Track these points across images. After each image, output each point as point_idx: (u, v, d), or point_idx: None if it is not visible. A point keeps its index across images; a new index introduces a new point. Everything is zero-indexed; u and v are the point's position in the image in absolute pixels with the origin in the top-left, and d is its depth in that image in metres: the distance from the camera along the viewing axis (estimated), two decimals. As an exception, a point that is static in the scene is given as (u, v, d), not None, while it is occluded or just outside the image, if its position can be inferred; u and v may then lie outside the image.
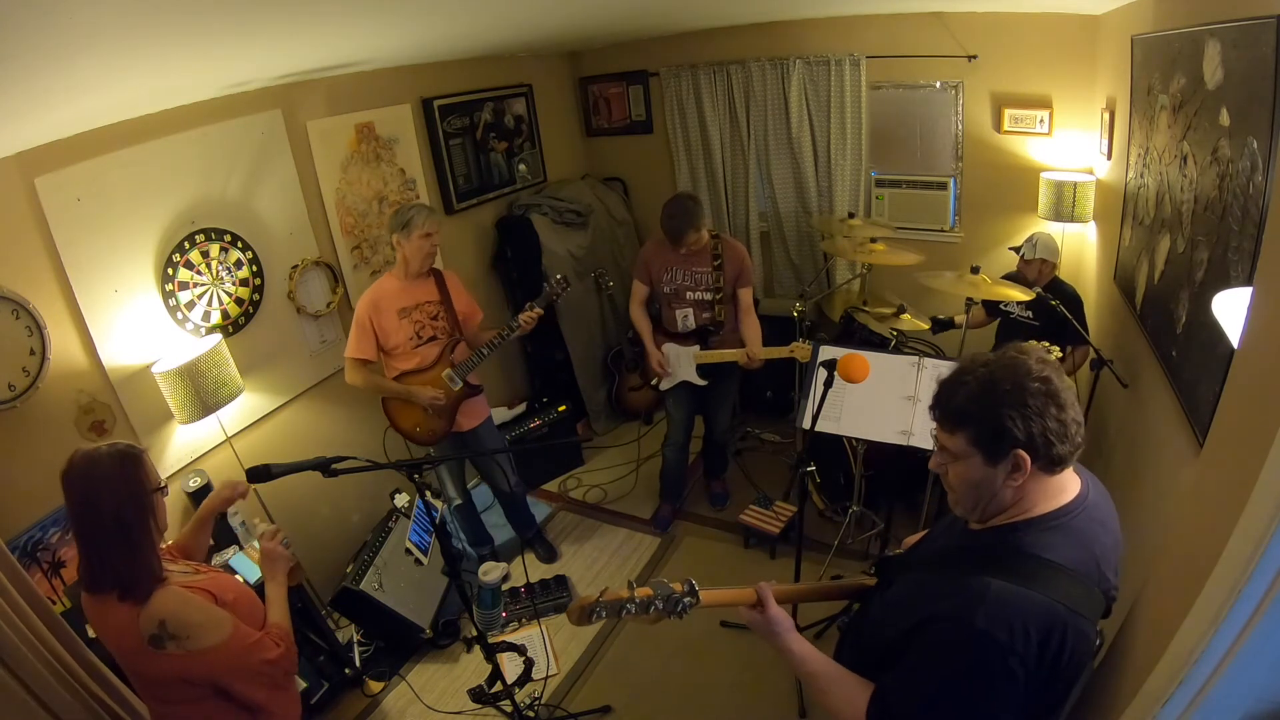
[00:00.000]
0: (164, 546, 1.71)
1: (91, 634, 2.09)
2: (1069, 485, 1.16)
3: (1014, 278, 3.02)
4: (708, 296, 3.17)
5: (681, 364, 3.28)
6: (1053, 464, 1.10)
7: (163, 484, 1.55)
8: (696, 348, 3.24)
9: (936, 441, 1.20)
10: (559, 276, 2.92)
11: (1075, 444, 1.10)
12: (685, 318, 3.23)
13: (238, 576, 2.29)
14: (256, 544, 2.53)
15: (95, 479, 1.42)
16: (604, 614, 1.28)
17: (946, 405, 1.15)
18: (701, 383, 3.28)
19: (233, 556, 2.54)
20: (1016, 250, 3.07)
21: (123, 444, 1.51)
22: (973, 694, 1.06)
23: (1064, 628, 1.05)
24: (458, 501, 3.30)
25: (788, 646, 1.32)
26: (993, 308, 3.21)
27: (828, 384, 2.12)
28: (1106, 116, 3.04)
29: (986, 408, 1.09)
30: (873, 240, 3.33)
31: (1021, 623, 1.04)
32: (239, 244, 2.81)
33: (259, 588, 1.82)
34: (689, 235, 3.00)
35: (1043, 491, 1.13)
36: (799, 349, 3.05)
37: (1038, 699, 1.08)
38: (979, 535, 1.20)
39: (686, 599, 1.31)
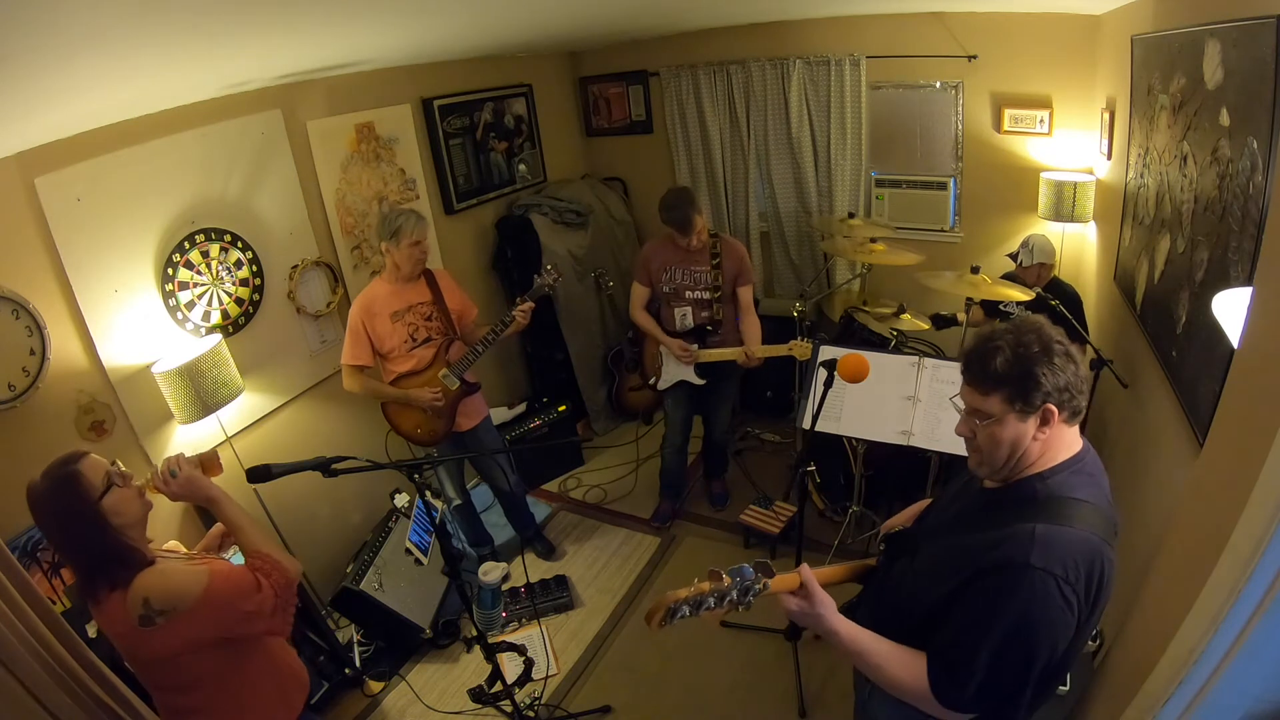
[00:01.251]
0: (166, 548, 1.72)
1: (92, 634, 2.10)
2: (1077, 437, 1.26)
3: (1013, 277, 3.02)
4: (706, 295, 3.17)
5: (680, 363, 3.29)
6: (1074, 414, 1.21)
7: (114, 481, 1.49)
8: (695, 346, 3.24)
9: (965, 406, 1.27)
10: (549, 266, 2.93)
11: (1086, 396, 1.21)
12: (684, 316, 3.23)
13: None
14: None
15: (40, 511, 1.45)
16: (688, 611, 1.24)
17: (982, 370, 1.21)
18: (699, 381, 3.28)
19: (233, 555, 2.53)
20: (1013, 257, 3.06)
21: (57, 462, 1.46)
22: (1038, 630, 1.14)
23: (1101, 556, 1.15)
24: (457, 502, 3.30)
25: (835, 628, 1.32)
26: (992, 308, 3.21)
27: (828, 384, 2.12)
28: (1106, 116, 3.04)
29: (1022, 368, 1.17)
30: (873, 240, 3.33)
31: (1071, 557, 1.13)
32: (239, 244, 2.81)
33: None
34: (696, 220, 3.01)
35: (1061, 442, 1.23)
36: (798, 347, 3.05)
37: (1083, 624, 1.16)
38: (1004, 490, 1.28)
39: (757, 585, 1.28)
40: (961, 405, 1.28)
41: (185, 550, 1.81)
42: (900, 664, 1.27)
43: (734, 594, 1.27)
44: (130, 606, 1.44)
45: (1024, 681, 1.16)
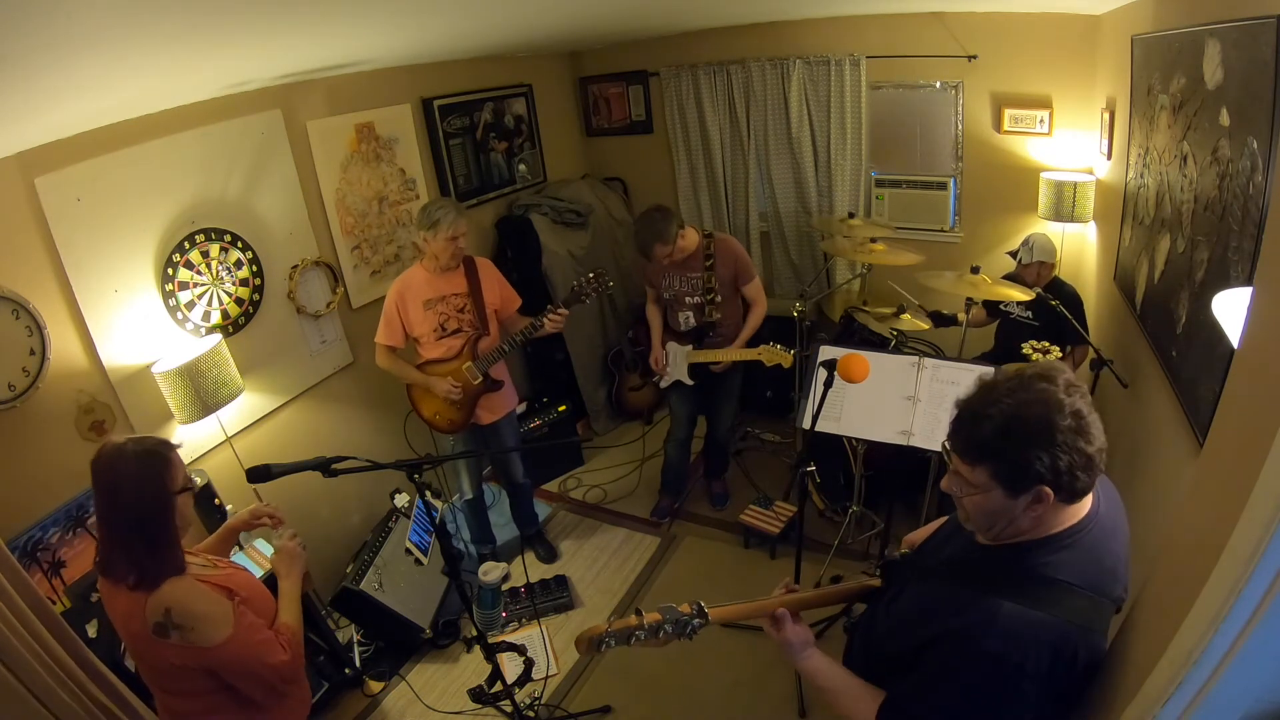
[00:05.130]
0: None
1: (92, 634, 2.10)
2: (1082, 503, 1.14)
3: (1013, 279, 3.02)
4: (699, 300, 3.20)
5: (678, 363, 3.32)
6: (1074, 496, 1.08)
7: (190, 485, 1.55)
8: (690, 347, 3.27)
9: (952, 467, 1.15)
10: (591, 275, 2.89)
11: (1098, 471, 1.07)
12: (686, 319, 3.28)
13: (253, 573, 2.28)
14: (258, 544, 2.54)
15: (119, 474, 1.44)
16: (613, 643, 1.27)
17: (969, 438, 1.10)
18: (690, 382, 3.32)
19: (234, 555, 2.53)
20: (1013, 255, 3.07)
21: (153, 440, 1.51)
22: (985, 712, 1.09)
23: (1074, 646, 1.07)
24: (469, 496, 3.29)
25: (802, 664, 1.36)
26: (993, 308, 3.21)
27: (828, 384, 2.12)
28: (1106, 116, 3.04)
29: (1013, 446, 1.04)
30: (873, 240, 3.33)
31: (1033, 644, 1.06)
32: (239, 244, 2.81)
33: (268, 581, 1.82)
34: (656, 250, 3.02)
35: (1056, 514, 1.11)
36: (766, 352, 3.06)
37: (1049, 712, 1.10)
38: (989, 551, 1.19)
39: (695, 620, 1.32)
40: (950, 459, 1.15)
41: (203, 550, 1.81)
42: (852, 703, 1.27)
43: (667, 628, 1.30)
44: (150, 611, 1.43)
45: None
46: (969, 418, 1.10)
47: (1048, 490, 1.04)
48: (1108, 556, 1.13)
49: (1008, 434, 1.04)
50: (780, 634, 1.36)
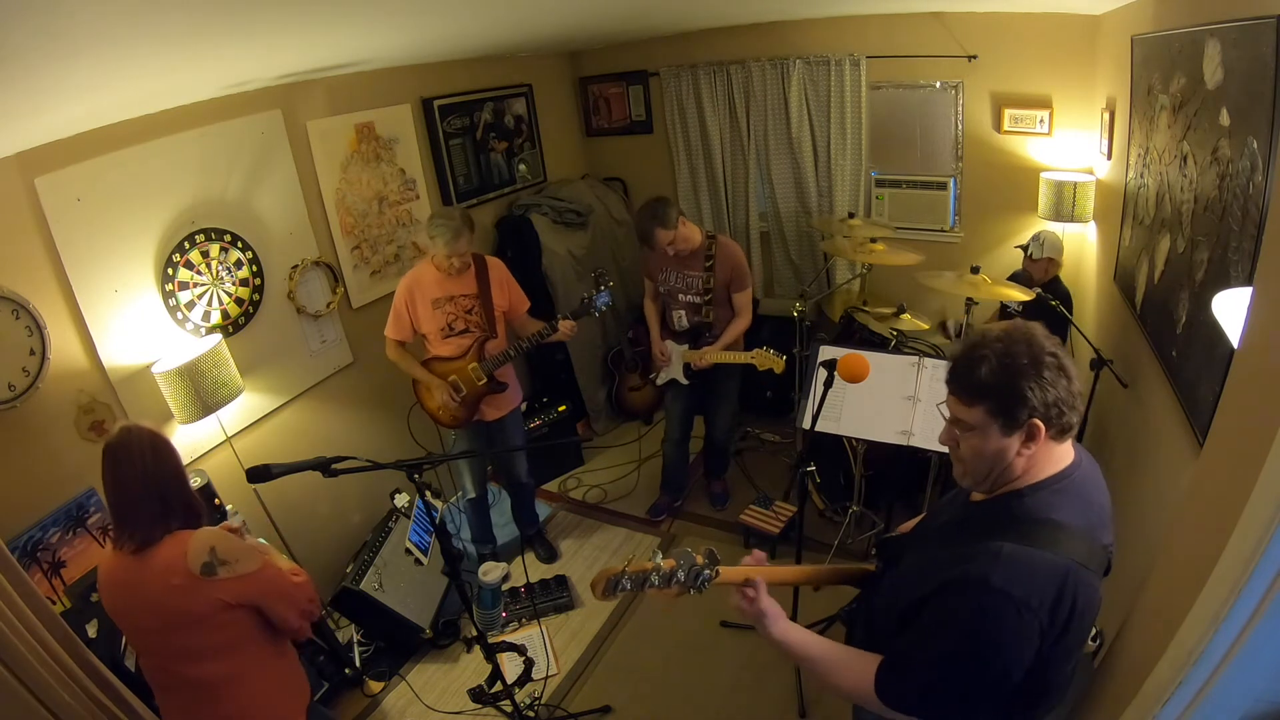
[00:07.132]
0: None
1: (92, 634, 2.10)
2: (1067, 452, 1.21)
3: (1017, 276, 3.03)
4: (696, 299, 3.20)
5: (674, 361, 3.33)
6: (1063, 432, 1.15)
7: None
8: (686, 347, 3.27)
9: (949, 415, 1.23)
10: (602, 288, 2.90)
11: (1080, 413, 1.16)
12: (680, 318, 3.29)
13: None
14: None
15: (159, 439, 1.64)
16: (629, 585, 1.29)
17: (966, 379, 1.18)
18: (685, 381, 3.32)
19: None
20: (1023, 248, 3.07)
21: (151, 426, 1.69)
22: (988, 650, 1.11)
23: (1074, 583, 1.10)
24: (472, 495, 3.28)
25: (776, 636, 1.33)
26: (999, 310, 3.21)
27: (827, 384, 2.12)
28: (1106, 116, 3.04)
29: (1006, 380, 1.13)
30: (873, 240, 3.33)
31: (1036, 580, 1.09)
32: (239, 244, 2.81)
33: None
34: (658, 235, 3.03)
35: (1046, 458, 1.18)
36: (760, 356, 3.05)
37: (1051, 652, 1.12)
38: (984, 504, 1.24)
39: (707, 570, 1.33)
40: (947, 414, 1.24)
41: None
42: (846, 669, 1.27)
43: (680, 575, 1.31)
44: (194, 554, 1.54)
45: (968, 697, 1.13)
46: (965, 361, 1.18)
47: (1039, 424, 1.12)
48: (1093, 506, 1.20)
49: (1001, 370, 1.13)
50: (755, 606, 1.34)
